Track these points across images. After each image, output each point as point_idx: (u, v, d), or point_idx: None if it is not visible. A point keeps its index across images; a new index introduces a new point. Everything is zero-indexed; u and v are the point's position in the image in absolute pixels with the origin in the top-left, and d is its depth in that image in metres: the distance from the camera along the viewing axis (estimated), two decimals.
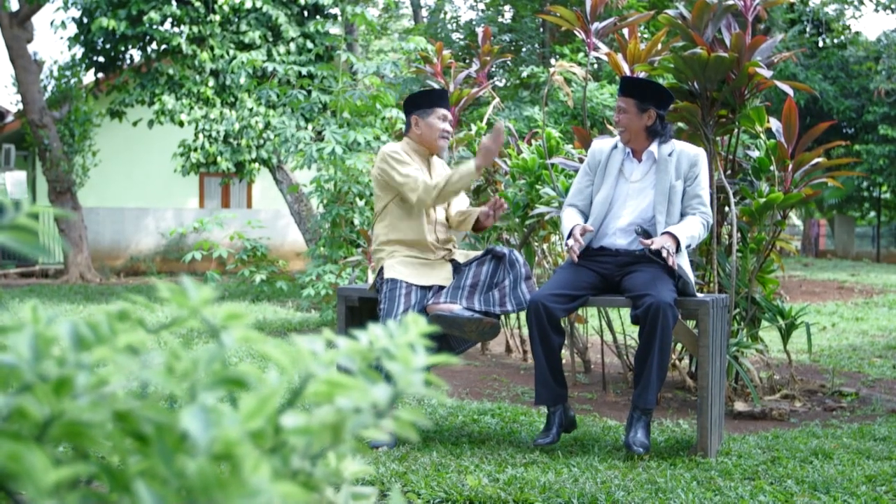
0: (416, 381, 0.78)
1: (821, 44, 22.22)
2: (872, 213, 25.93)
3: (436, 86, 6.81)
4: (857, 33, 22.52)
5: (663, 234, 3.91)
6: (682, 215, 4.08)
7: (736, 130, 5.23)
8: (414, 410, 0.81)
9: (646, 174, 4.14)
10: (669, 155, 4.09)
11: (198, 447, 0.64)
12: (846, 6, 22.51)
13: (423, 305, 4.14)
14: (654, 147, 4.12)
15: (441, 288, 4.18)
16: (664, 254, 3.81)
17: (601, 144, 4.29)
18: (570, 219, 4.20)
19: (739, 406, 4.89)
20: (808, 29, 21.80)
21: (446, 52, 7.05)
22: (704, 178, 4.09)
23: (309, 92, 10.45)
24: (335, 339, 0.87)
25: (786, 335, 5.38)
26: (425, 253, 4.29)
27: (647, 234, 3.97)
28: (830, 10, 22.15)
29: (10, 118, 18.17)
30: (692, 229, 3.96)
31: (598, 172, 4.22)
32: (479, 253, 4.29)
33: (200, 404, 0.67)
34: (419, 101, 4.39)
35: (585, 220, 4.22)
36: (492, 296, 4.10)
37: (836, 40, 22.25)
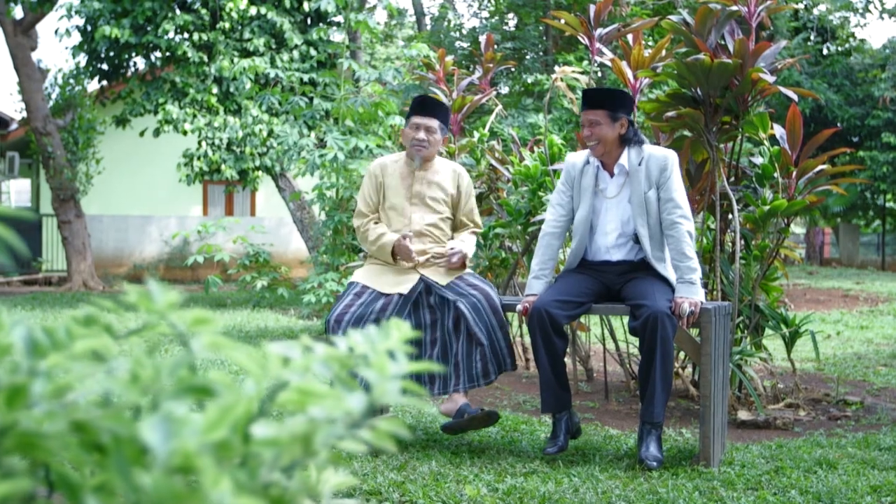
0: (392, 390, 0.75)
1: (825, 51, 22.16)
2: (877, 222, 25.84)
3: (439, 93, 6.78)
4: (862, 40, 22.47)
5: (680, 298, 3.85)
6: (662, 222, 4.00)
7: (739, 137, 5.19)
8: (393, 420, 0.77)
9: (620, 188, 4.06)
10: (639, 164, 4.00)
11: (157, 459, 0.60)
12: (851, 13, 22.45)
13: (375, 308, 4.10)
14: (624, 158, 4.03)
15: (401, 297, 4.15)
16: (693, 317, 3.81)
17: (574, 158, 4.20)
18: (539, 267, 4.15)
19: (743, 415, 4.84)
20: (812, 37, 21.75)
21: (449, 59, 7.02)
22: (676, 179, 3.99)
23: (311, 99, 10.43)
24: (313, 345, 0.84)
25: (790, 343, 5.33)
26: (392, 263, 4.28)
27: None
28: (835, 17, 22.09)
29: (14, 126, 18.17)
30: (692, 271, 3.89)
31: (575, 189, 4.15)
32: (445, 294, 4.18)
33: (162, 414, 0.64)
34: (408, 112, 4.42)
35: (561, 242, 4.21)
36: (470, 368, 4.07)
37: (840, 48, 22.20)
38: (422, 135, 4.30)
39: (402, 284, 4.17)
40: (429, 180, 4.37)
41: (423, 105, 4.36)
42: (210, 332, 0.73)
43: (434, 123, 4.32)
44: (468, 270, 4.26)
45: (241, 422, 0.65)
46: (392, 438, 0.77)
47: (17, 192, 23.38)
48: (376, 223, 4.37)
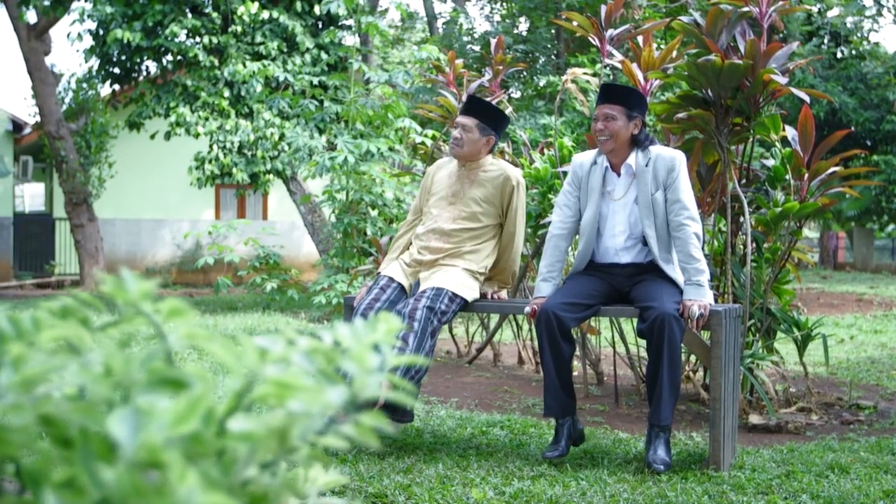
0: (372, 383, 0.72)
1: (839, 55, 22.03)
2: (892, 226, 25.68)
3: (448, 95, 6.76)
4: (876, 44, 22.33)
5: (689, 301, 3.80)
6: (669, 224, 3.95)
7: (751, 139, 5.14)
8: (377, 416, 0.74)
9: (627, 189, 4.00)
10: (647, 165, 3.94)
11: (124, 453, 0.58)
12: (864, 18, 22.31)
13: (396, 304, 4.14)
14: (632, 159, 3.97)
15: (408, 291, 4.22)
16: (702, 319, 3.75)
17: (581, 158, 4.14)
18: (547, 269, 4.09)
19: (754, 419, 4.80)
20: (826, 40, 21.63)
21: (459, 62, 6.99)
22: (683, 180, 3.93)
23: (321, 102, 10.42)
24: (296, 338, 0.81)
25: (802, 347, 5.28)
26: (412, 255, 4.33)
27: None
28: (848, 21, 21.95)
29: (27, 130, 18.25)
30: (699, 273, 3.83)
31: (582, 189, 4.10)
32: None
33: (132, 407, 0.61)
34: None
35: (569, 244, 4.16)
36: None
37: (854, 51, 22.06)
38: (457, 132, 4.28)
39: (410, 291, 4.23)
40: (471, 179, 4.34)
41: (466, 104, 4.35)
42: (186, 323, 0.71)
43: (470, 122, 4.27)
44: (438, 286, 4.13)
45: (213, 415, 0.63)
46: (375, 434, 0.74)
47: (31, 196, 23.47)
48: (409, 231, 4.50)
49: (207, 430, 0.62)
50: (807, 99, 4.87)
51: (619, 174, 4.03)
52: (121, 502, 0.55)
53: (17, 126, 18.17)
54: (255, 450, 0.65)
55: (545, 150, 6.83)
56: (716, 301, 4.98)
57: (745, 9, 4.95)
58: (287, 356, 0.71)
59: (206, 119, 11.97)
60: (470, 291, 4.20)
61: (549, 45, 17.41)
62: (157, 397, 0.66)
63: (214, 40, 12.09)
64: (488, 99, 6.76)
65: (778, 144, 5.34)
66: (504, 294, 4.51)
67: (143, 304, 0.71)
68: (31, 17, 14.50)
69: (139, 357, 0.67)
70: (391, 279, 4.23)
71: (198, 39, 12.34)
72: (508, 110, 7.47)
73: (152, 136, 13.31)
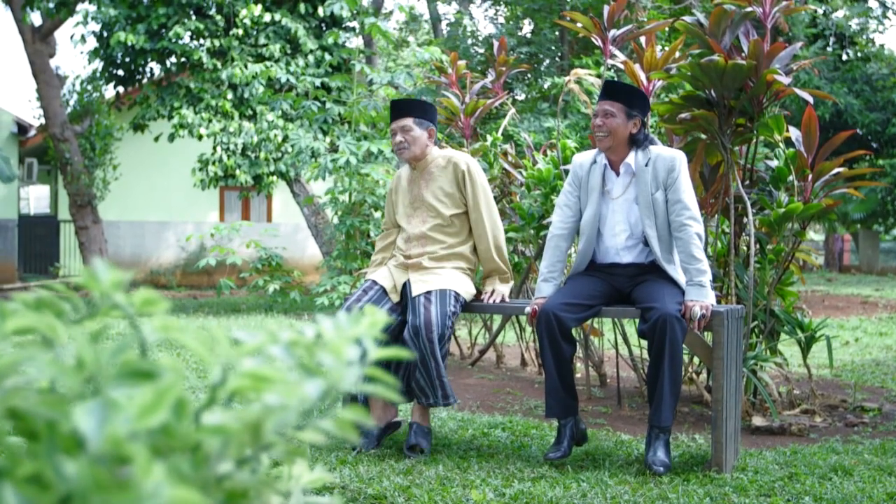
0: (349, 376, 0.70)
1: (844, 57, 21.97)
2: None
3: (451, 97, 6.74)
4: (882, 46, 22.27)
5: (691, 302, 3.77)
6: (670, 224, 3.92)
7: (754, 139, 5.12)
8: (357, 410, 0.72)
9: (626, 188, 3.98)
10: (646, 165, 3.91)
11: (89, 447, 0.56)
12: (869, 20, 22.24)
13: (381, 305, 4.14)
14: (630, 158, 3.95)
15: (397, 303, 4.20)
16: (704, 320, 3.73)
17: (581, 158, 4.12)
18: (547, 270, 4.07)
19: (757, 421, 4.77)
20: (830, 42, 21.57)
21: (461, 63, 6.98)
22: (684, 180, 3.90)
23: (323, 103, 10.41)
24: (277, 330, 0.79)
25: (805, 348, 5.25)
26: (398, 260, 4.33)
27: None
28: (853, 23, 21.89)
29: (32, 132, 18.27)
30: (701, 273, 3.80)
31: (582, 189, 4.08)
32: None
33: (100, 399, 0.59)
34: None
35: (570, 244, 4.14)
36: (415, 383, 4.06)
37: (859, 53, 22.00)
38: (398, 137, 4.28)
39: (396, 291, 4.22)
40: (426, 179, 4.34)
41: (392, 109, 4.36)
42: (160, 314, 0.69)
43: (407, 122, 4.26)
44: (441, 288, 4.10)
45: (184, 407, 0.61)
46: (357, 429, 0.72)
47: (36, 198, 23.51)
48: (383, 248, 4.52)
49: (179, 423, 0.60)
50: (810, 100, 4.84)
51: (618, 173, 4.01)
52: (84, 497, 0.54)
53: (22, 128, 18.19)
54: (228, 444, 0.63)
55: (548, 152, 6.81)
56: (718, 302, 4.95)
57: (749, 9, 4.93)
58: (263, 348, 0.70)
59: (210, 121, 11.96)
60: (467, 289, 4.21)
61: (553, 47, 17.40)
62: (129, 390, 0.64)
63: (218, 43, 12.08)
64: (491, 100, 6.75)
65: (781, 145, 5.31)
66: (507, 290, 4.44)
67: (115, 294, 0.69)
68: (36, 19, 14.53)
69: (111, 349, 0.65)
70: (374, 282, 4.24)
71: (201, 42, 12.32)
72: (511, 112, 7.46)
73: (156, 139, 13.30)
